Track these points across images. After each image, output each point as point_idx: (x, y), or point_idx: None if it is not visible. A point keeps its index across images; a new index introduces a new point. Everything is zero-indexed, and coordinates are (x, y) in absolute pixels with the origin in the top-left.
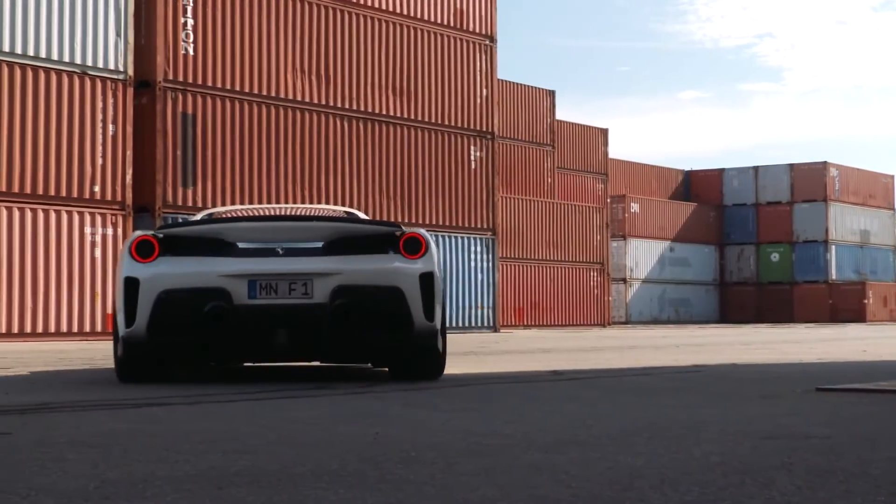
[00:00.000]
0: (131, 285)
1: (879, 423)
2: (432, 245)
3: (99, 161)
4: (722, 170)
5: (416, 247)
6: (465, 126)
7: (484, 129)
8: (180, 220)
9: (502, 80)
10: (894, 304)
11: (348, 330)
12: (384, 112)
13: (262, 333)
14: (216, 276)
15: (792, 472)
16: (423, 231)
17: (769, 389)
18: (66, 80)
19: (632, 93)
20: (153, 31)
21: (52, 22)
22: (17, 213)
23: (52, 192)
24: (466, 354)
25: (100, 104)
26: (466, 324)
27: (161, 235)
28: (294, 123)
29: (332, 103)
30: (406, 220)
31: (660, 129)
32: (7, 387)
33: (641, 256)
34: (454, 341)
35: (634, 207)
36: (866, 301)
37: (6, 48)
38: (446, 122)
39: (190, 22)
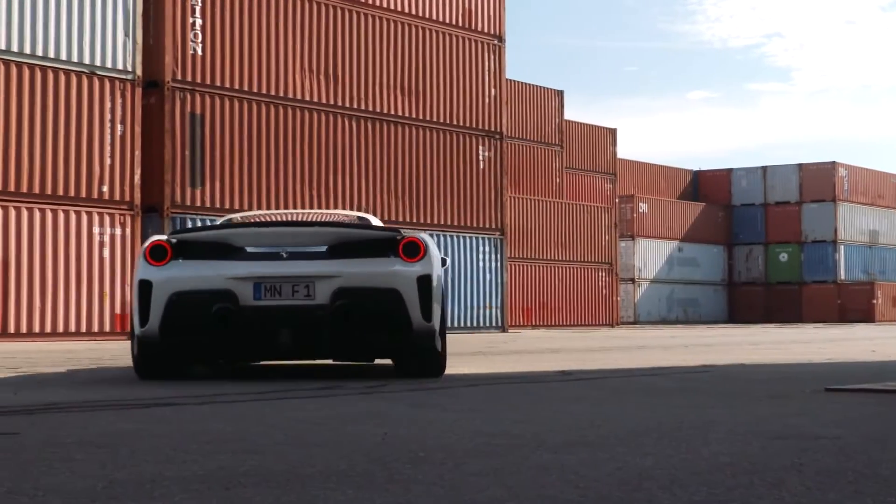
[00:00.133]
0: (145, 287)
1: (889, 423)
2: (432, 249)
3: (107, 161)
4: (730, 170)
5: (414, 250)
6: (474, 126)
7: (492, 128)
8: (198, 225)
9: (511, 80)
10: None
11: (348, 330)
12: (392, 112)
13: (266, 333)
14: (224, 278)
15: (801, 473)
16: (423, 235)
17: (778, 389)
18: (74, 80)
19: (640, 93)
20: (161, 32)
21: (61, 22)
22: (25, 213)
23: (61, 192)
24: (474, 354)
25: (108, 104)
26: (474, 324)
27: (174, 240)
28: (302, 123)
29: (340, 103)
30: (414, 220)
31: (668, 129)
32: (15, 386)
33: (650, 256)
34: (462, 341)
35: (643, 207)
36: (875, 301)
37: (15, 48)
38: (454, 122)
39: (198, 22)
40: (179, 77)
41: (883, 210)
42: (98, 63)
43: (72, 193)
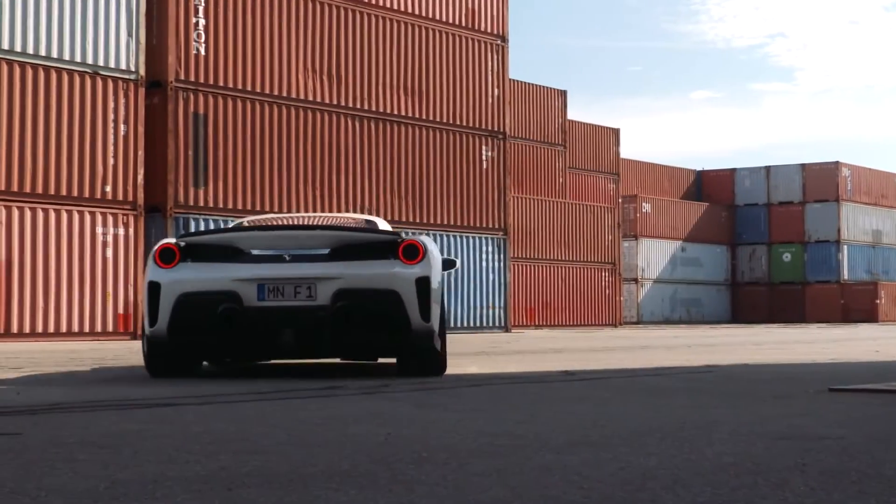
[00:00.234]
0: (154, 289)
1: (893, 423)
2: (431, 252)
3: (110, 161)
4: (734, 170)
5: (413, 253)
6: (477, 126)
7: (495, 128)
8: (206, 228)
9: (514, 80)
10: None
11: (348, 330)
12: (395, 112)
13: (269, 333)
14: (229, 280)
15: (805, 473)
16: (423, 239)
17: (782, 390)
18: (77, 80)
19: (643, 93)
20: (165, 32)
21: (64, 22)
22: (28, 213)
23: (64, 192)
24: (478, 354)
25: (111, 104)
26: (478, 324)
27: (183, 244)
28: (305, 123)
29: (343, 103)
30: (417, 221)
31: (671, 129)
32: (18, 387)
33: (653, 256)
34: (465, 341)
35: (646, 207)
36: (878, 301)
37: (18, 48)
38: (458, 122)
39: (202, 22)
40: (183, 77)
41: (886, 210)
42: (101, 63)
43: (75, 193)
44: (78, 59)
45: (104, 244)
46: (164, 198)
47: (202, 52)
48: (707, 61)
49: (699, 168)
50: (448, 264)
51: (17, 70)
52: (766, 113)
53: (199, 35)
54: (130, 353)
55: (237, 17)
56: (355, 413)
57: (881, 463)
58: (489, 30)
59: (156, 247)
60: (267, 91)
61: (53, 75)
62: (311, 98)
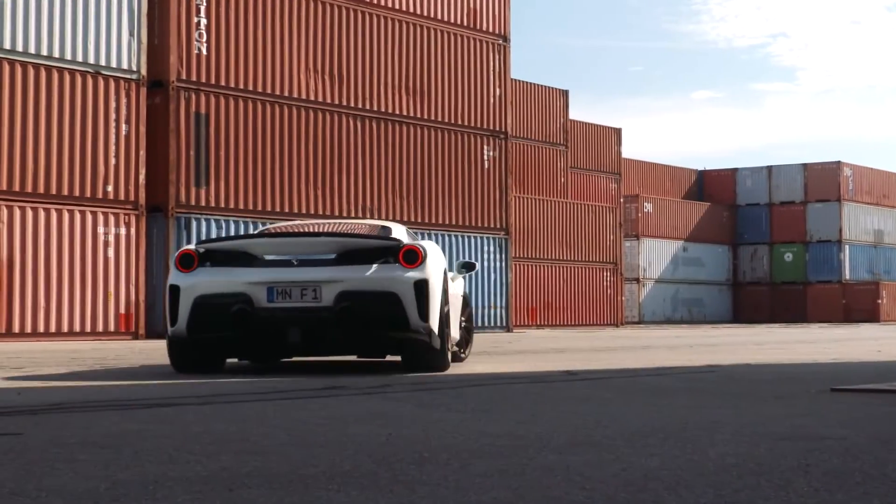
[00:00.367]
0: (174, 292)
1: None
2: (431, 256)
3: (112, 161)
4: (735, 169)
5: (413, 257)
6: (479, 126)
7: (497, 128)
8: (227, 235)
9: (515, 80)
10: None
11: (350, 329)
12: (397, 112)
13: (278, 332)
14: (241, 283)
15: (808, 474)
16: (423, 244)
17: (784, 390)
18: (79, 79)
19: (645, 92)
20: (166, 31)
21: (66, 22)
22: (30, 213)
23: (66, 192)
24: (479, 354)
25: (113, 104)
26: (479, 323)
27: (201, 250)
28: (307, 123)
29: (345, 103)
30: (419, 220)
31: (673, 129)
32: (19, 387)
33: (654, 256)
34: None
35: (647, 207)
36: (880, 301)
37: (20, 48)
38: (459, 122)
39: (203, 21)
40: (184, 77)
41: (888, 210)
42: (103, 63)
43: (76, 193)
44: (79, 58)
45: (106, 244)
46: (165, 197)
47: (203, 51)
48: (708, 61)
49: (701, 168)
50: (468, 267)
51: (19, 70)
52: (767, 113)
53: (200, 35)
54: (132, 353)
55: (238, 16)
56: (356, 413)
57: (884, 463)
58: (491, 29)
59: (177, 253)
60: (268, 91)
61: (55, 75)
62: (312, 98)
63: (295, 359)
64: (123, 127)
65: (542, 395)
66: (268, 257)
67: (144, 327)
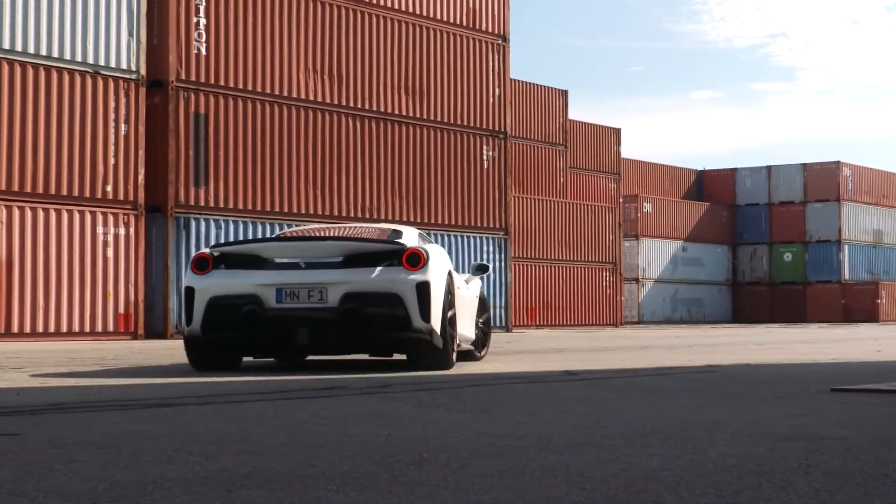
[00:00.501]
0: (189, 293)
1: None
2: (434, 259)
3: (111, 161)
4: (735, 169)
5: (416, 260)
6: (478, 126)
7: (496, 128)
8: (240, 239)
9: (515, 80)
10: None
11: (355, 328)
12: (397, 112)
13: (286, 331)
14: (252, 285)
15: (809, 474)
16: (427, 247)
17: (784, 390)
18: (78, 79)
19: (645, 92)
20: (166, 31)
21: (65, 22)
22: (29, 213)
23: (65, 192)
24: None
25: (112, 104)
26: None
27: (216, 253)
28: (306, 123)
29: (344, 103)
30: (418, 220)
31: (672, 129)
32: (18, 387)
33: (654, 256)
34: None
35: (647, 207)
36: (879, 301)
37: (19, 48)
38: (459, 122)
39: (202, 21)
40: (183, 77)
41: (887, 210)
42: (102, 63)
43: (76, 193)
44: (79, 58)
45: (105, 244)
46: (164, 197)
47: (203, 51)
48: (708, 61)
49: (700, 168)
50: (481, 269)
51: (18, 70)
52: (767, 113)
53: (199, 35)
54: (131, 353)
55: (238, 16)
56: (356, 413)
57: (885, 464)
58: (490, 29)
59: (193, 256)
60: (268, 91)
61: (54, 75)
62: (311, 98)
63: (314, 357)
64: (123, 127)
65: (542, 395)
66: (278, 260)
67: (144, 327)
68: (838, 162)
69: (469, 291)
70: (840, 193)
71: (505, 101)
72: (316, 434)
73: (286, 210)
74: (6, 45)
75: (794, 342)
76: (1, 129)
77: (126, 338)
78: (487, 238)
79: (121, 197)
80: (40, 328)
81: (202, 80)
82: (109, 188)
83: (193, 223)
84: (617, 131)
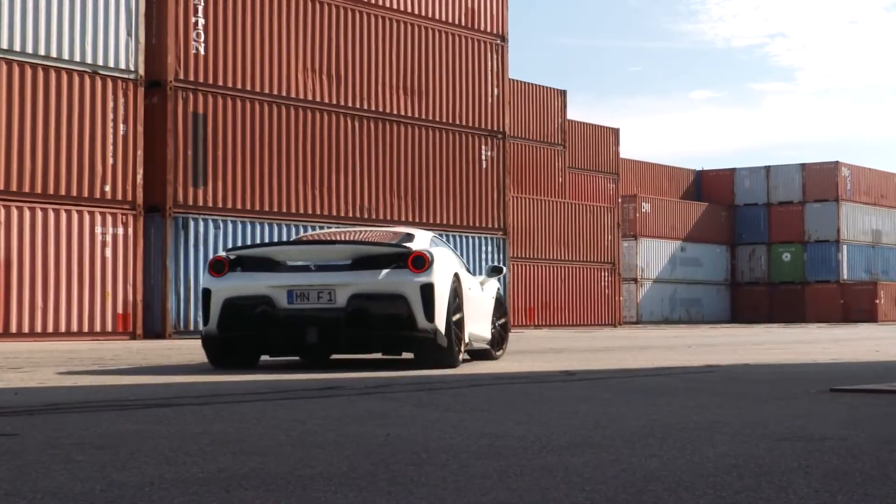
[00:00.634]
0: (206, 294)
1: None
2: (438, 262)
3: (110, 161)
4: (733, 169)
5: (421, 263)
6: (477, 126)
7: (495, 128)
8: (255, 243)
9: (513, 80)
10: None
11: (362, 328)
12: (395, 112)
13: (296, 331)
14: (265, 286)
15: (809, 475)
16: (432, 250)
17: (783, 390)
18: (76, 79)
19: (643, 92)
20: (164, 31)
21: (63, 22)
22: (27, 213)
23: (63, 192)
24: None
25: (111, 104)
26: None
27: (232, 256)
28: (305, 123)
29: (343, 103)
30: (417, 221)
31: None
32: (16, 387)
33: (652, 256)
34: None
35: (646, 207)
36: (878, 301)
37: (17, 47)
38: (457, 122)
39: (201, 21)
40: (182, 77)
41: (886, 210)
42: (100, 63)
43: (74, 193)
44: (77, 58)
45: (103, 244)
46: (163, 197)
47: (201, 51)
48: (707, 61)
49: (699, 168)
50: (495, 270)
51: (17, 70)
52: (765, 113)
53: (198, 35)
54: (129, 353)
55: (237, 16)
56: (355, 413)
57: (885, 464)
58: (489, 29)
59: (210, 259)
60: (266, 91)
61: (53, 75)
62: (310, 98)
63: (337, 357)
64: (121, 127)
65: (541, 395)
66: (290, 263)
67: (142, 327)
68: (837, 162)
69: (484, 293)
70: (839, 193)
71: (504, 101)
72: (314, 434)
73: (285, 210)
74: (4, 45)
75: (793, 342)
76: None
77: (124, 338)
78: (486, 238)
79: (119, 197)
80: (38, 328)
81: (201, 80)
82: (108, 188)
83: (192, 223)
84: (615, 131)
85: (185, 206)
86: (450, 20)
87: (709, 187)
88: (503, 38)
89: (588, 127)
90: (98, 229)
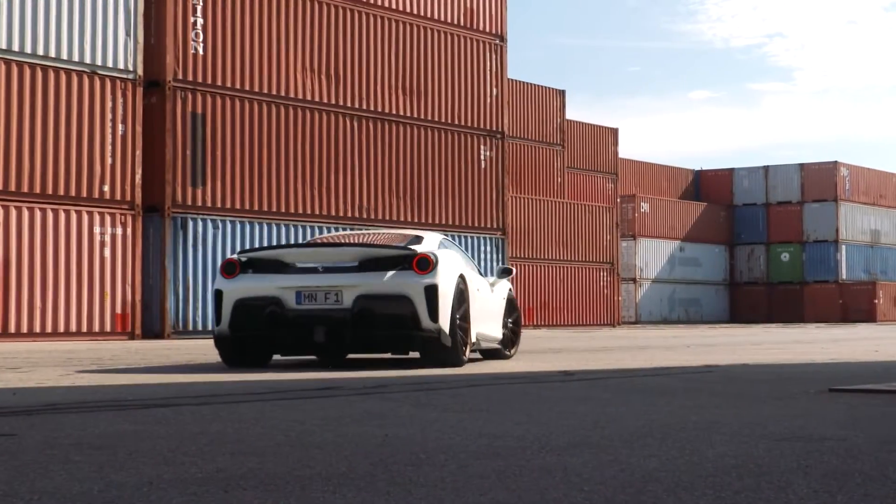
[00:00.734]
0: (218, 296)
1: (895, 424)
2: (443, 264)
3: (108, 161)
4: (732, 169)
5: (425, 265)
6: (475, 125)
7: (494, 128)
8: (265, 246)
9: (512, 80)
10: None
11: (367, 328)
12: (394, 111)
13: (305, 330)
14: (274, 288)
15: (808, 475)
16: (438, 252)
17: (782, 390)
18: (75, 79)
19: (642, 92)
20: (163, 31)
21: (62, 22)
22: (25, 213)
23: (62, 192)
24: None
25: (109, 104)
26: None
27: (244, 259)
28: (304, 123)
29: (341, 103)
30: (415, 220)
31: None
32: (14, 387)
33: (651, 256)
34: None
35: (644, 207)
36: (877, 301)
37: (16, 47)
38: (456, 122)
39: (199, 21)
40: (180, 76)
41: (885, 210)
42: (99, 63)
43: (73, 193)
44: (76, 58)
45: (102, 244)
46: (162, 197)
47: (200, 51)
48: (706, 61)
49: (698, 168)
50: (505, 272)
51: (15, 69)
52: (764, 113)
53: (197, 34)
54: (128, 353)
55: (235, 16)
56: (353, 414)
57: (885, 464)
58: (487, 29)
59: (222, 261)
60: (265, 91)
61: (51, 75)
62: (309, 98)
63: (354, 357)
64: (120, 127)
65: (540, 395)
66: (299, 265)
67: (140, 327)
68: (836, 162)
69: (494, 294)
70: (837, 193)
71: (502, 101)
72: (313, 435)
73: (284, 210)
74: (3, 45)
75: (792, 342)
76: None
77: (123, 338)
78: (485, 238)
79: (118, 197)
80: (37, 328)
81: (199, 79)
82: (106, 188)
83: (191, 223)
84: (614, 131)
85: (184, 207)
86: (448, 20)
87: (707, 187)
88: (502, 38)
89: (587, 127)
90: (97, 229)
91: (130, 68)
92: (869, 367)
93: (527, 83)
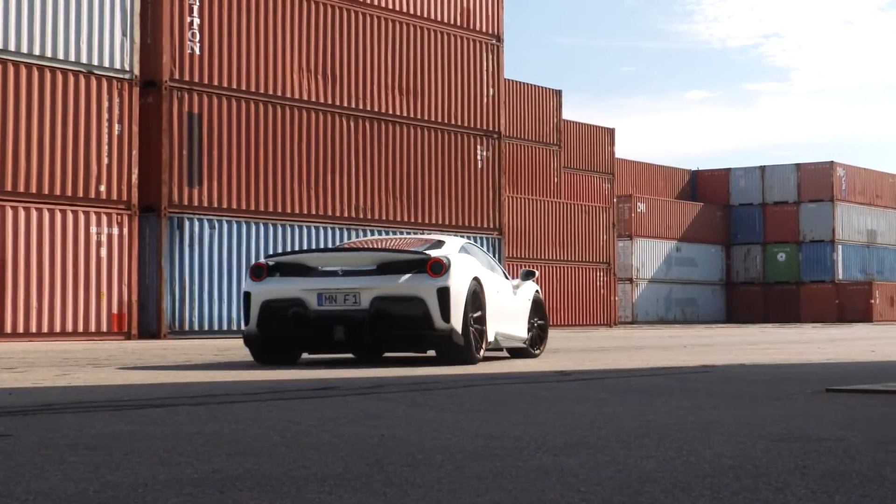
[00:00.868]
0: (247, 298)
1: (892, 424)
2: (455, 267)
3: (105, 161)
4: (729, 170)
5: (438, 268)
6: (472, 126)
7: (490, 128)
8: (291, 250)
9: (509, 80)
10: None
11: (384, 327)
12: (391, 112)
13: (326, 330)
14: (298, 290)
15: (806, 476)
16: (452, 257)
17: (779, 390)
18: (72, 79)
19: (639, 92)
20: (159, 31)
21: (59, 22)
22: (22, 213)
23: (58, 192)
24: None
25: (106, 104)
26: None
27: (271, 263)
28: (300, 123)
29: (338, 103)
30: (412, 221)
31: (666, 129)
32: (10, 387)
33: (648, 256)
34: None
35: (641, 207)
36: (873, 301)
37: (12, 47)
38: (453, 122)
39: (196, 21)
40: (177, 76)
41: (881, 210)
42: (95, 62)
43: (69, 193)
44: (72, 58)
45: (98, 244)
46: (158, 197)
47: (196, 51)
48: (702, 61)
49: (694, 168)
50: (529, 275)
51: (11, 69)
52: (761, 113)
53: (193, 34)
54: (124, 353)
55: (232, 16)
56: (349, 414)
57: (882, 465)
58: (484, 29)
59: (251, 265)
60: (261, 90)
61: (48, 75)
62: (305, 97)
63: (389, 355)
64: (116, 127)
65: (537, 395)
66: (321, 268)
67: (137, 327)
68: (832, 162)
69: (517, 295)
70: (834, 193)
71: (499, 101)
72: (309, 435)
73: (280, 210)
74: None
75: (789, 342)
76: None
77: (119, 338)
78: (482, 238)
79: (114, 197)
80: (33, 328)
81: (196, 79)
82: (103, 188)
83: (187, 223)
84: (611, 131)
85: (181, 206)
86: (445, 20)
87: (704, 187)
88: (498, 38)
89: (583, 127)
90: (93, 229)
91: (127, 68)
92: (866, 367)
93: (523, 83)
